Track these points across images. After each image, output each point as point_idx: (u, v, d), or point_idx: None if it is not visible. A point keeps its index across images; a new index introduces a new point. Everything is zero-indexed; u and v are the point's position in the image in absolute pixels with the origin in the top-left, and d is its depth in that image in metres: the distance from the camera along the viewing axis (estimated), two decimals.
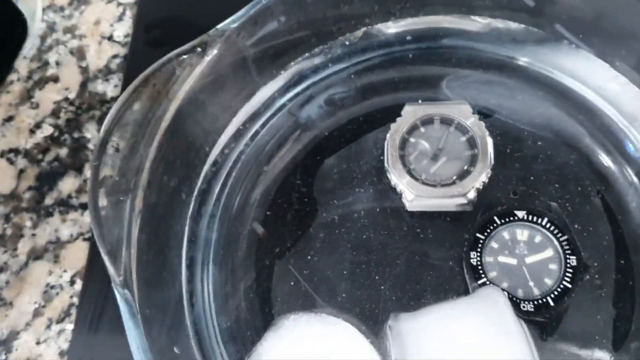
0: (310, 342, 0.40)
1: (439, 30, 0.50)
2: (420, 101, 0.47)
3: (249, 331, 0.43)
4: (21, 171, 0.53)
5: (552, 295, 0.41)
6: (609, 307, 0.41)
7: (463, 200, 0.43)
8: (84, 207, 0.51)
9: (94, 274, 0.49)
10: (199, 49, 0.41)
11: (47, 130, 0.55)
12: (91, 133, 0.54)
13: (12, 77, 0.57)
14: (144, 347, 0.35)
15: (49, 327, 0.48)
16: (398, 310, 0.41)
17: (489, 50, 0.49)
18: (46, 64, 0.58)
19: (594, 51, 0.47)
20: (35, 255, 0.50)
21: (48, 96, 0.56)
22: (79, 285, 0.49)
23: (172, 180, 0.43)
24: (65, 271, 0.50)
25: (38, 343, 0.47)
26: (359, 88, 0.50)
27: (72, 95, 0.56)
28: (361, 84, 0.50)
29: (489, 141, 0.44)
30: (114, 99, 0.55)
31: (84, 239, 0.51)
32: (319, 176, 0.47)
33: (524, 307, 0.40)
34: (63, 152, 0.54)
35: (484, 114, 0.47)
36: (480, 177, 0.43)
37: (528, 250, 0.42)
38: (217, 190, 0.47)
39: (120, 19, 0.59)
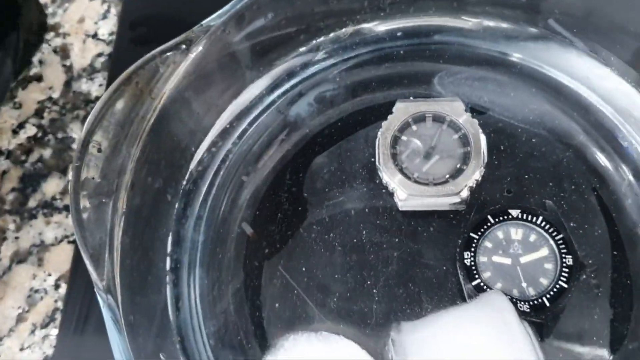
0: None
1: (431, 26, 0.50)
2: (412, 98, 0.47)
3: (238, 336, 0.42)
4: (4, 172, 0.52)
5: (548, 296, 0.40)
6: (606, 307, 0.41)
7: (456, 199, 0.42)
8: (68, 209, 0.51)
9: (78, 278, 0.48)
10: (183, 46, 0.40)
11: (30, 130, 0.54)
12: (76, 133, 0.53)
13: None
14: (127, 354, 0.35)
15: (33, 332, 0.47)
16: (390, 313, 0.41)
17: (482, 46, 0.49)
18: (29, 62, 0.56)
19: (588, 47, 0.47)
20: (19, 258, 0.49)
21: (31, 96, 0.55)
22: (63, 289, 0.48)
23: (156, 182, 0.42)
24: (49, 275, 0.49)
25: (22, 349, 0.47)
26: (349, 85, 0.49)
27: (55, 95, 0.55)
28: (352, 80, 0.49)
29: (482, 139, 0.43)
30: (99, 98, 0.53)
31: (69, 242, 0.50)
32: (309, 175, 0.46)
33: (520, 307, 0.40)
34: (47, 152, 0.53)
35: (476, 110, 0.46)
36: (474, 175, 0.42)
37: (523, 250, 0.41)
38: (203, 190, 0.46)
39: (104, 16, 0.58)
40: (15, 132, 0.54)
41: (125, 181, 0.39)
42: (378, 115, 0.46)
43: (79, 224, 0.36)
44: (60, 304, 0.48)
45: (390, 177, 0.43)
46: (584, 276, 0.41)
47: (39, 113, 0.54)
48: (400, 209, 0.44)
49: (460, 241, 0.42)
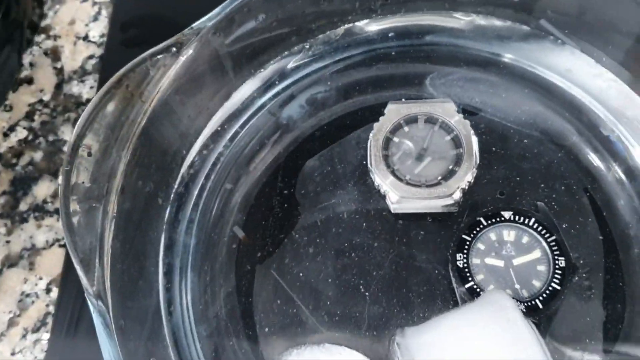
0: None
1: (422, 27, 0.49)
2: (403, 99, 0.47)
3: (230, 340, 0.42)
4: None
5: (541, 298, 0.40)
6: (599, 308, 0.41)
7: (449, 201, 0.42)
8: (59, 210, 0.50)
9: (70, 282, 0.48)
10: (173, 49, 0.40)
11: (21, 133, 0.53)
12: (67, 136, 0.53)
13: None
14: (118, 359, 0.34)
15: (24, 336, 0.47)
16: (383, 316, 0.41)
17: (474, 47, 0.49)
18: (20, 65, 0.56)
19: (580, 47, 0.47)
20: (10, 262, 0.49)
21: (22, 98, 0.55)
22: (55, 293, 0.48)
23: (147, 185, 0.42)
24: (40, 279, 0.48)
25: (13, 354, 0.46)
26: (340, 87, 0.49)
27: (46, 98, 0.55)
28: (343, 82, 0.49)
29: (474, 140, 0.43)
30: (90, 100, 0.53)
31: (60, 245, 0.49)
32: (301, 178, 0.46)
33: None
34: (38, 155, 0.52)
35: (468, 112, 0.46)
36: (466, 177, 0.42)
37: (515, 252, 0.41)
38: (195, 193, 0.46)
39: (95, 18, 0.58)
40: (5, 135, 0.53)
41: (116, 185, 0.39)
42: (370, 117, 0.46)
43: (69, 229, 0.36)
44: (51, 308, 0.47)
45: (382, 179, 0.43)
46: (577, 278, 0.41)
47: (29, 116, 0.54)
48: (392, 211, 0.44)
49: (452, 243, 0.42)
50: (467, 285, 0.41)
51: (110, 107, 0.39)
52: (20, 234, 0.50)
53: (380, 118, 0.45)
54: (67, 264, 0.48)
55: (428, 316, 0.41)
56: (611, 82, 0.46)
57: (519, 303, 0.40)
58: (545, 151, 0.45)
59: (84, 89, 0.55)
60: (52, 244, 0.49)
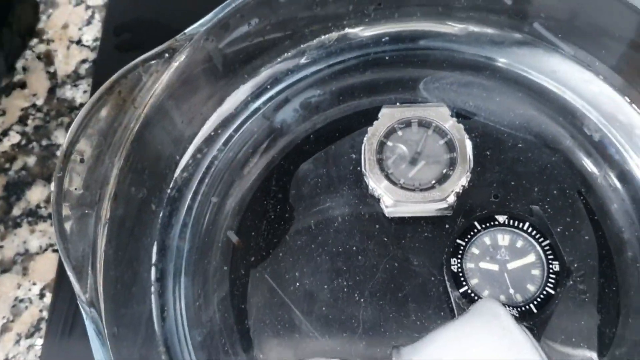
0: None
1: (416, 32, 0.49)
2: (397, 104, 0.47)
3: (224, 345, 0.41)
4: None
5: (536, 302, 0.40)
6: (593, 313, 0.41)
7: (443, 205, 0.42)
8: (52, 217, 0.50)
9: (63, 287, 0.47)
10: (166, 55, 0.40)
11: (14, 138, 0.53)
12: (60, 140, 0.53)
13: None
14: None
15: (17, 342, 0.47)
16: (377, 321, 0.41)
17: (467, 51, 0.49)
18: (13, 69, 0.56)
19: (573, 52, 0.47)
20: (3, 267, 0.49)
21: (15, 103, 0.54)
22: (48, 298, 0.48)
23: (140, 191, 0.42)
24: (34, 284, 0.48)
25: (7, 359, 0.46)
26: (334, 91, 0.49)
27: (39, 102, 0.54)
28: (337, 86, 0.49)
29: (468, 144, 0.43)
30: (83, 105, 0.53)
31: (54, 251, 0.49)
32: (295, 182, 0.46)
33: None
34: (31, 160, 0.52)
35: (462, 116, 0.46)
36: (460, 180, 0.42)
37: (510, 256, 0.41)
38: (188, 197, 0.46)
39: (89, 22, 0.58)
40: None
41: (109, 191, 0.39)
42: (364, 121, 0.46)
43: (62, 236, 0.36)
44: (45, 314, 0.47)
45: (376, 183, 0.43)
46: (571, 282, 0.41)
47: (22, 120, 0.54)
48: (386, 215, 0.44)
49: (447, 247, 0.42)
50: (461, 290, 0.41)
51: (103, 113, 0.39)
52: (13, 239, 0.50)
53: (375, 122, 0.45)
54: (61, 269, 0.48)
55: (422, 321, 0.41)
56: (604, 87, 0.46)
57: (512, 308, 0.40)
58: (539, 155, 0.45)
59: (77, 93, 0.55)
60: (46, 249, 0.49)
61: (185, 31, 0.41)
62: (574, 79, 0.47)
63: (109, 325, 0.35)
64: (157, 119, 0.41)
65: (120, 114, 0.39)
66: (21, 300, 0.48)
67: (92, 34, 0.57)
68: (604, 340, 0.40)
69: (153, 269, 0.43)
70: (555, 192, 0.44)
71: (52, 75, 0.55)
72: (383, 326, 0.41)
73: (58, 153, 0.52)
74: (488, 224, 0.42)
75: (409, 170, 0.44)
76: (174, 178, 0.46)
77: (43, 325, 0.47)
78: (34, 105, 0.54)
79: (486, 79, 0.48)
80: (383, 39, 0.49)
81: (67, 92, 0.55)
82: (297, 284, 0.43)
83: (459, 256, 0.42)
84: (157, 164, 0.44)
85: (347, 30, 0.49)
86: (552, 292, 0.40)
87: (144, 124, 0.40)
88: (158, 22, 0.56)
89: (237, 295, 0.43)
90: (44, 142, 0.53)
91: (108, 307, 0.36)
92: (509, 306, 0.40)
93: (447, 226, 0.43)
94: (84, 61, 0.56)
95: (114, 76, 0.39)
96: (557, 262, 0.41)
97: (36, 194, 0.51)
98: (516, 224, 0.42)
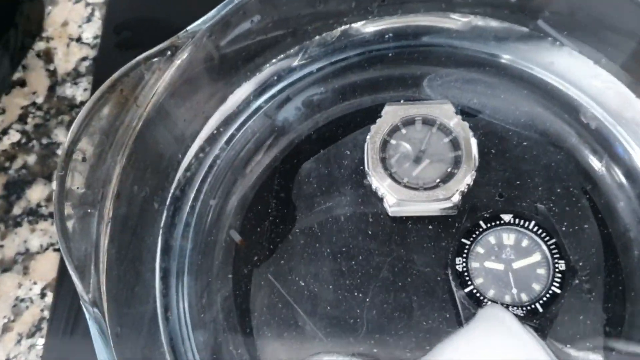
0: None
1: (419, 28, 0.49)
2: (401, 101, 0.46)
3: (228, 345, 0.41)
4: None
5: (541, 301, 0.40)
6: (599, 311, 0.40)
7: (447, 204, 0.42)
8: (54, 216, 0.50)
9: (65, 286, 0.47)
10: (168, 52, 0.40)
11: (14, 136, 0.53)
12: (60, 139, 0.52)
13: None
14: None
15: (19, 342, 0.46)
16: (381, 320, 0.41)
17: (471, 47, 0.48)
18: (12, 69, 0.55)
19: (578, 48, 0.47)
20: (4, 267, 0.49)
21: (14, 101, 0.54)
22: (49, 297, 0.47)
23: (143, 190, 0.42)
24: (35, 283, 0.48)
25: (8, 359, 0.46)
26: (337, 89, 0.48)
27: (39, 100, 0.54)
28: (340, 84, 0.49)
29: (473, 142, 0.43)
30: (84, 103, 0.53)
31: (54, 250, 0.49)
32: (298, 181, 0.46)
33: (513, 313, 0.39)
34: (31, 159, 0.52)
35: (467, 113, 0.46)
36: (465, 179, 0.42)
37: (515, 255, 0.41)
38: (191, 197, 0.46)
39: (89, 19, 0.57)
40: None
41: (111, 190, 0.38)
42: (367, 119, 0.46)
43: (64, 235, 0.36)
44: (46, 313, 0.47)
45: (379, 182, 0.43)
46: (577, 281, 0.41)
47: (22, 118, 0.53)
48: (390, 214, 0.43)
49: (451, 247, 0.42)
50: (466, 290, 0.40)
51: (105, 111, 0.38)
52: (14, 239, 0.49)
53: (378, 120, 0.45)
54: (62, 269, 0.48)
55: (427, 320, 0.41)
56: (610, 84, 0.46)
57: (517, 307, 0.39)
58: (544, 153, 0.45)
59: (78, 91, 0.54)
60: (47, 248, 0.49)
61: (187, 28, 0.41)
62: (579, 75, 0.46)
63: (112, 325, 0.35)
64: (159, 118, 0.41)
65: (123, 112, 0.39)
66: (22, 300, 0.48)
67: (92, 31, 0.57)
68: (610, 339, 0.40)
69: (156, 269, 0.43)
70: (560, 190, 0.43)
71: (52, 73, 0.55)
72: (387, 326, 0.41)
73: (58, 151, 0.52)
74: (493, 223, 0.42)
75: (412, 168, 0.43)
76: (176, 177, 0.45)
77: (44, 325, 0.47)
78: (34, 104, 0.54)
79: (490, 75, 0.47)
80: (386, 36, 0.49)
81: (67, 90, 0.54)
82: (300, 283, 0.42)
83: (464, 255, 0.41)
84: (160, 163, 0.44)
85: (350, 27, 0.49)
86: (558, 291, 0.40)
87: (146, 123, 0.40)
88: (159, 20, 0.56)
89: (240, 294, 0.43)
90: (44, 141, 0.52)
91: (111, 307, 0.36)
92: (514, 306, 0.40)
93: (451, 225, 0.43)
94: (84, 59, 0.56)
95: (116, 74, 0.39)
96: (562, 261, 0.40)
97: (36, 193, 0.51)
98: (521, 222, 0.42)
